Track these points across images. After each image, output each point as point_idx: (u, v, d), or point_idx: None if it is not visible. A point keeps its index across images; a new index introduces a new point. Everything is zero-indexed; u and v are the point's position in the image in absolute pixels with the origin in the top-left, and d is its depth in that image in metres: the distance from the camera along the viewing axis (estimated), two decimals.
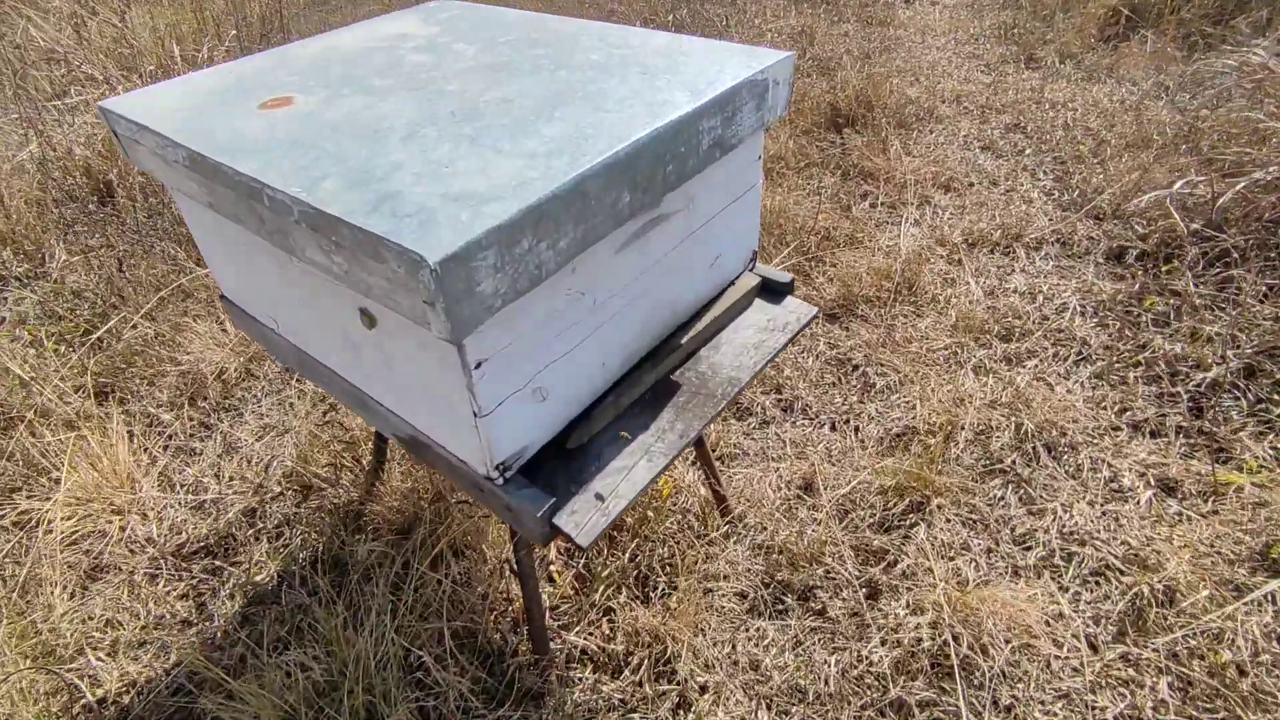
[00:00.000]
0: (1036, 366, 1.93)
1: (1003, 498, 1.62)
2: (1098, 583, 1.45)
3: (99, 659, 1.41)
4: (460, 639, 1.35)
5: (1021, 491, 1.63)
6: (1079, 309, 2.11)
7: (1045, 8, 4.16)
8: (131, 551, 1.63)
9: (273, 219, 0.82)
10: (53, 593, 1.51)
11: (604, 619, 1.41)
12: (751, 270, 1.22)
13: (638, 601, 1.44)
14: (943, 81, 3.50)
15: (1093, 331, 2.03)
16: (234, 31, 3.75)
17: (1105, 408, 1.80)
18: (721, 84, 0.92)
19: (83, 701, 1.34)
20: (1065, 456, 1.70)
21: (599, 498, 0.91)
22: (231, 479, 1.76)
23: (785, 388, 1.95)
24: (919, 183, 2.72)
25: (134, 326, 2.14)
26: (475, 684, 1.29)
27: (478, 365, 0.79)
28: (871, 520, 1.58)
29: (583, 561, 1.50)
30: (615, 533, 1.55)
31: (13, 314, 2.25)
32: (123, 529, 1.65)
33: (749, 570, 1.51)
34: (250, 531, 1.65)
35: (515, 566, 1.33)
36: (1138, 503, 1.58)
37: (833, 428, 1.85)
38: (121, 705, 1.34)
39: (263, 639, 1.40)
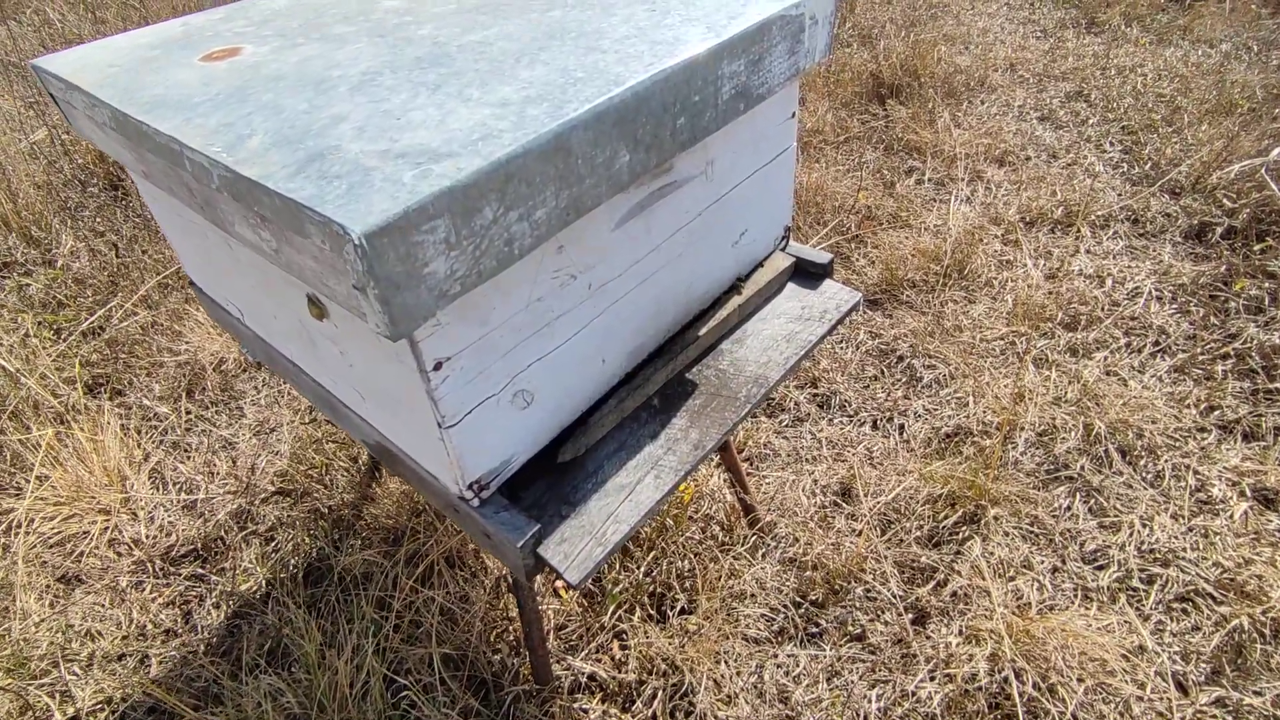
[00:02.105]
0: (1107, 359, 1.72)
1: (1070, 508, 1.43)
2: (1185, 611, 1.25)
3: (73, 673, 1.32)
4: (452, 663, 1.21)
5: (1092, 501, 1.43)
6: (1155, 294, 1.88)
7: None
8: (118, 554, 1.53)
9: (198, 187, 0.68)
10: (30, 600, 1.42)
11: (615, 642, 1.26)
12: (784, 250, 1.05)
13: (652, 622, 1.28)
14: (995, 48, 3.23)
15: (1172, 319, 1.80)
16: None
17: (1189, 406, 1.59)
18: (747, 19, 0.75)
19: None
20: (1143, 462, 1.49)
21: (595, 523, 0.76)
22: (225, 478, 1.65)
23: (822, 381, 1.77)
24: (970, 157, 2.49)
25: (132, 314, 2.05)
26: (466, 715, 1.16)
27: (436, 366, 0.63)
28: (918, 533, 1.40)
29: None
30: (630, 543, 1.40)
31: (16, 301, 2.18)
32: (107, 530, 1.56)
33: (778, 588, 1.34)
34: (240, 535, 1.54)
35: (513, 585, 1.19)
36: (1231, 517, 1.37)
37: (874, 426, 1.66)
38: None
39: (241, 658, 1.29)
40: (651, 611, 1.31)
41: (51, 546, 1.53)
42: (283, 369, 1.00)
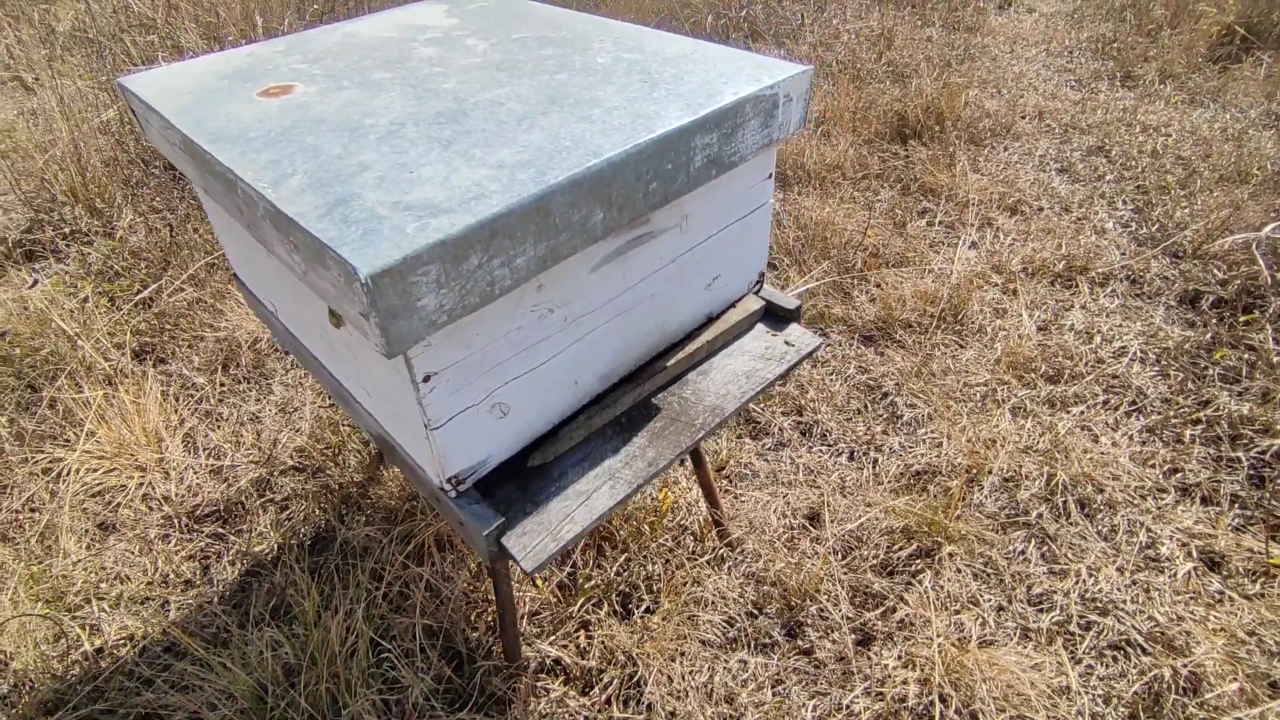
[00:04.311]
0: (1082, 414, 1.79)
1: (1023, 553, 1.51)
2: (1115, 658, 1.33)
3: (103, 609, 1.48)
4: (433, 635, 1.35)
5: (1045, 548, 1.52)
6: (1140, 354, 1.94)
7: (1152, 22, 3.86)
8: (149, 508, 1.70)
9: (247, 210, 0.82)
10: (71, 541, 1.59)
11: (581, 631, 1.39)
12: (757, 293, 1.16)
13: (617, 618, 1.40)
14: (1026, 95, 3.29)
15: (1151, 381, 1.87)
16: (315, 5, 3.86)
17: (1153, 466, 1.66)
18: (721, 99, 0.86)
19: (81, 650, 1.40)
20: (1100, 515, 1.57)
21: (552, 521, 0.88)
22: (250, 449, 1.81)
23: (807, 410, 1.87)
24: (983, 203, 2.57)
25: (180, 289, 2.24)
26: (440, 683, 1.29)
27: (426, 378, 0.76)
28: (875, 561, 1.50)
29: (568, 570, 1.48)
30: (605, 543, 1.52)
31: (77, 268, 2.38)
32: (142, 485, 1.73)
33: (738, 598, 1.45)
34: (259, 501, 1.70)
35: (491, 570, 1.31)
36: (1174, 575, 1.44)
37: (851, 457, 1.76)
38: (116, 657, 1.40)
39: (250, 611, 1.44)
40: (618, 608, 1.43)
41: (94, 495, 1.70)
42: (306, 360, 1.14)
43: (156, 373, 1.99)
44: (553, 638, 1.36)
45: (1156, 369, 1.90)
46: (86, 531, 1.64)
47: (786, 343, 1.11)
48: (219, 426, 1.89)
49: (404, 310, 0.66)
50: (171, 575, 1.56)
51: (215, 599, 1.51)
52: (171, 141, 0.95)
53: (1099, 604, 1.41)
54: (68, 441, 1.79)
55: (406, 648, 1.31)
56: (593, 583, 1.44)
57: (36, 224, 2.57)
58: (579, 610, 1.39)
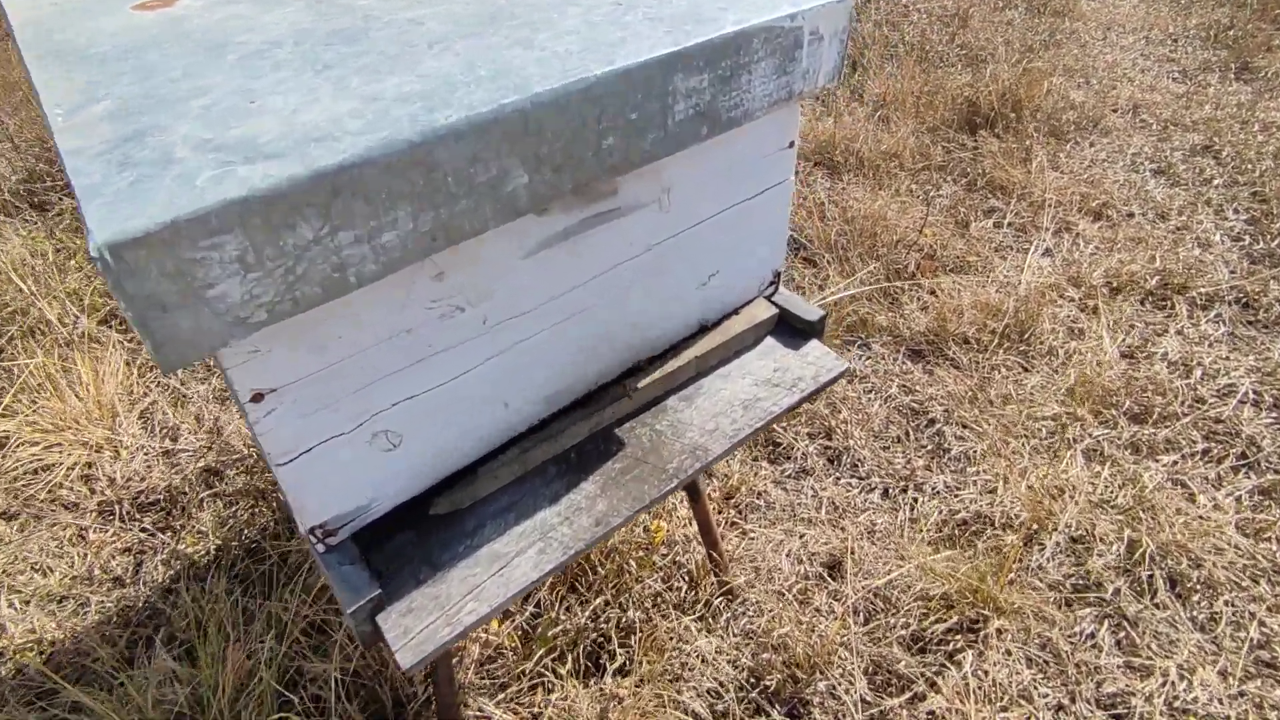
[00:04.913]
0: (1176, 464, 1.48)
1: (1093, 637, 1.22)
2: None
3: (13, 606, 1.32)
4: (359, 678, 1.14)
5: (1122, 634, 1.22)
6: (1252, 395, 1.61)
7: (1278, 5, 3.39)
8: (91, 490, 1.54)
9: None
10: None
11: (538, 689, 1.16)
12: (769, 298, 0.90)
13: (582, 677, 1.17)
14: (1119, 86, 2.90)
15: (1268, 430, 1.53)
16: None
17: (1269, 539, 1.34)
18: (717, 26, 0.61)
19: None
20: (1196, 598, 1.26)
21: (451, 597, 0.65)
22: (208, 434, 1.64)
23: (838, 433, 1.60)
24: (1062, 204, 2.23)
25: None
26: None
27: (256, 398, 0.53)
28: (904, 631, 1.23)
29: (530, 609, 1.25)
30: (579, 581, 1.29)
31: (49, 226, 2.25)
32: (89, 465, 1.57)
33: (733, 662, 1.21)
34: (208, 493, 1.52)
35: None
36: None
37: (885, 495, 1.49)
38: (18, 665, 1.23)
39: (169, 625, 1.25)
40: (586, 663, 1.20)
41: (31, 472, 1.55)
42: None
43: (126, 339, 1.84)
44: (501, 697, 1.14)
45: (1274, 415, 1.56)
46: (16, 514, 1.49)
47: (803, 365, 0.85)
48: (183, 404, 1.72)
49: (181, 300, 0.43)
50: (98, 572, 1.40)
51: (140, 603, 1.33)
52: (22, 63, 0.74)
53: (1194, 717, 1.11)
54: (10, 410, 1.64)
55: (317, 694, 1.10)
56: (558, 630, 1.21)
57: (35, 175, 2.45)
58: (535, 665, 1.16)
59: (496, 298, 0.63)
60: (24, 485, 1.52)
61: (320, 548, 0.64)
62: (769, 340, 0.88)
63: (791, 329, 0.89)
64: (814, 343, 0.87)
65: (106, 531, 1.47)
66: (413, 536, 0.69)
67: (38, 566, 1.39)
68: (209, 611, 1.23)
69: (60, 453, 1.57)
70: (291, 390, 0.55)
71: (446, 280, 0.59)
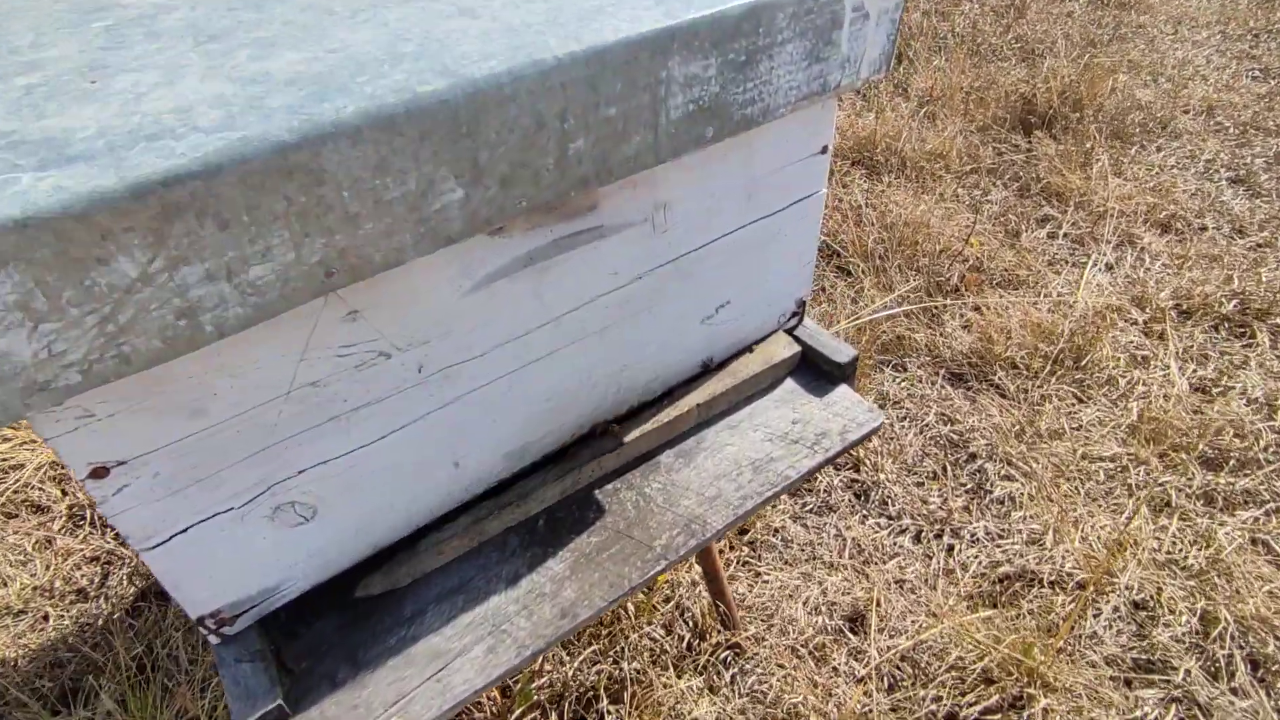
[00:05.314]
0: (1258, 521, 1.29)
1: None
2: None
3: None
4: None
5: None
6: None
7: None
8: (62, 493, 1.45)
9: None
10: None
11: None
12: (790, 331, 0.75)
13: None
14: (1191, 85, 2.66)
15: None
16: None
17: None
18: None
19: None
20: None
21: (373, 708, 0.52)
22: None
23: (866, 465, 1.45)
24: (1125, 214, 2.03)
25: None
26: None
27: (97, 473, 0.41)
28: (934, 705, 1.08)
29: None
30: None
31: None
32: (61, 466, 1.48)
33: None
34: None
35: None
36: None
37: (917, 539, 1.33)
38: None
39: (117, 656, 1.16)
40: None
41: (4, 472, 1.47)
42: None
43: None
44: None
45: None
46: None
47: (828, 416, 0.70)
48: None
49: None
50: (60, 583, 1.31)
51: (99, 622, 1.24)
52: None
53: None
54: None
55: None
56: (542, 682, 1.09)
57: None
58: None
59: (435, 341, 0.50)
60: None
61: (213, 639, 0.52)
62: (788, 383, 0.74)
63: (816, 369, 0.74)
64: (843, 389, 0.72)
65: (75, 537, 1.38)
66: (337, 622, 0.56)
67: None
68: (157, 647, 1.13)
69: (31, 450, 1.48)
70: (150, 462, 0.42)
71: (362, 321, 0.46)
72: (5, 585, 1.30)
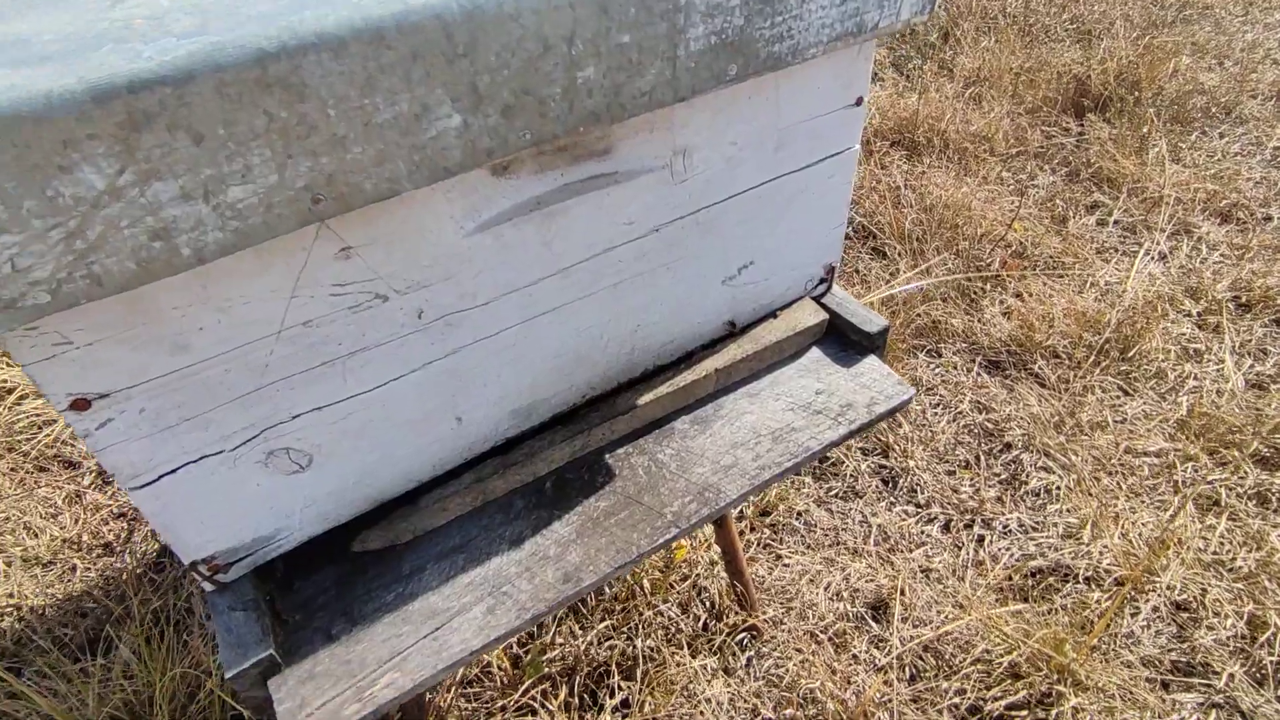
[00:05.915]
0: None
1: None
2: None
3: None
4: None
5: None
6: None
7: None
8: None
9: None
10: (3, 480, 1.39)
11: None
12: (817, 299, 0.72)
13: (576, 711, 1.03)
14: (1261, 69, 2.52)
15: None
16: None
17: None
18: None
19: None
20: None
21: (367, 663, 0.50)
22: None
23: (895, 451, 1.40)
24: (1182, 202, 1.93)
25: None
26: None
27: (78, 405, 0.39)
28: (957, 699, 1.04)
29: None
30: (582, 601, 1.14)
31: None
32: None
33: (752, 711, 1.04)
34: None
35: None
36: None
37: (946, 529, 1.28)
38: None
39: (132, 612, 1.17)
40: (582, 696, 1.05)
41: (39, 427, 1.50)
42: None
43: None
44: None
45: None
46: (27, 468, 1.44)
47: (854, 388, 0.66)
48: None
49: None
50: (88, 537, 1.33)
51: (123, 575, 1.26)
52: None
53: None
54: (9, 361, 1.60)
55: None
56: (554, 655, 1.07)
57: None
58: (521, 696, 1.02)
59: (435, 285, 0.47)
60: (25, 440, 1.47)
61: (207, 586, 0.51)
62: (814, 352, 0.70)
63: (844, 339, 0.70)
64: (871, 359, 0.69)
65: (104, 493, 1.41)
66: (334, 576, 0.55)
67: (29, 526, 1.34)
68: (177, 601, 1.15)
69: None
70: (135, 397, 0.41)
71: (356, 259, 0.43)
72: (36, 536, 1.33)
